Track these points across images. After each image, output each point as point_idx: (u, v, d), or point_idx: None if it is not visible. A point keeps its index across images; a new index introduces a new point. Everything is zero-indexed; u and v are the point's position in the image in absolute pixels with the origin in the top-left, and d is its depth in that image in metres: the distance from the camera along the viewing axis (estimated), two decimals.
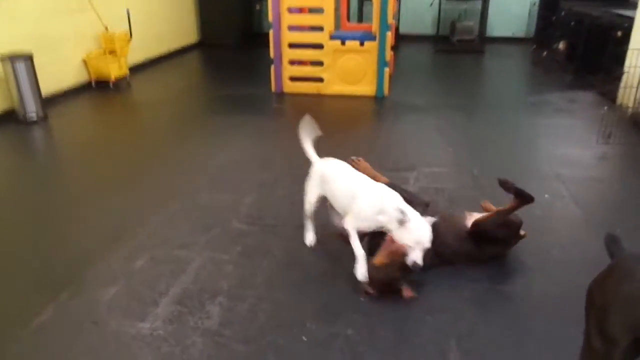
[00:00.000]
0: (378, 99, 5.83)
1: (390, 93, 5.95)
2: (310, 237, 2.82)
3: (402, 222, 2.20)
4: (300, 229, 2.97)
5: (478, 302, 2.38)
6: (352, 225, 2.39)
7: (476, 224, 2.57)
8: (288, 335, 2.15)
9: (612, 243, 1.57)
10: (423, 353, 2.07)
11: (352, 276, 2.42)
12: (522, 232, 2.64)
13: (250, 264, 2.66)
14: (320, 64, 5.91)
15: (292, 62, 6.02)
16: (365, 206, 2.35)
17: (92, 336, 2.18)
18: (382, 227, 2.32)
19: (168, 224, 3.12)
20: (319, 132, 2.85)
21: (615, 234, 1.59)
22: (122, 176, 3.90)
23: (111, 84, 6.42)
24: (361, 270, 2.33)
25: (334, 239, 2.75)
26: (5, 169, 4.16)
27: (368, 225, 2.38)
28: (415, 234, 2.20)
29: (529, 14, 9.15)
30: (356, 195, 2.41)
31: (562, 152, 4.23)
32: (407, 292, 2.34)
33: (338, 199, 2.57)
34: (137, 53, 7.21)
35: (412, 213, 2.24)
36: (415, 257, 2.20)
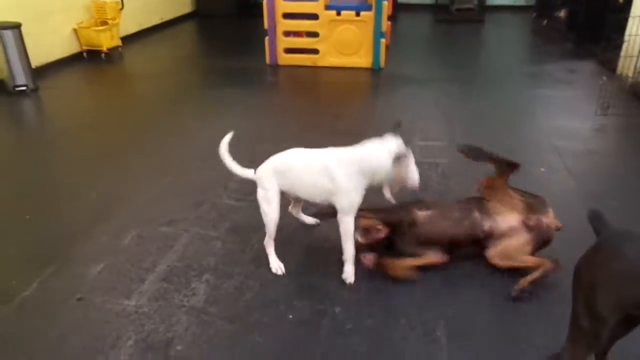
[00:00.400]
0: (374, 70, 5.72)
1: (387, 65, 5.82)
2: (277, 264, 2.42)
3: (398, 158, 2.16)
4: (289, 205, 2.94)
5: (468, 281, 2.35)
6: (349, 213, 2.24)
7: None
8: (274, 313, 2.13)
9: (596, 220, 1.52)
10: (411, 332, 2.05)
11: (342, 254, 2.40)
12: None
13: (239, 241, 2.63)
14: (315, 35, 5.78)
15: (287, 34, 5.88)
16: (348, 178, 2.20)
17: (76, 312, 2.16)
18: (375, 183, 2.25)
19: (157, 199, 3.08)
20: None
21: (598, 210, 1.54)
22: (112, 150, 3.84)
23: (103, 55, 6.29)
24: (349, 272, 2.31)
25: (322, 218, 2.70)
26: None
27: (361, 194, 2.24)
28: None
29: None
30: (331, 171, 2.22)
31: (560, 124, 4.16)
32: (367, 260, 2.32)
33: (305, 187, 2.35)
34: (130, 23, 7.05)
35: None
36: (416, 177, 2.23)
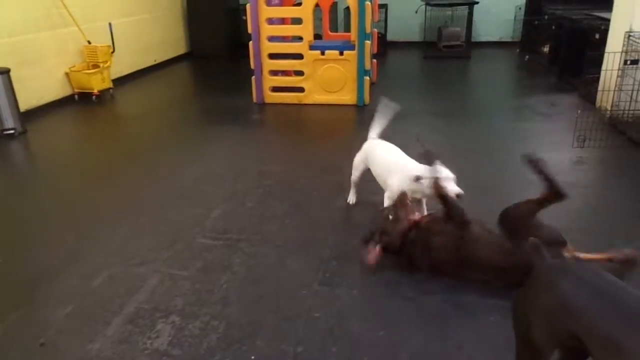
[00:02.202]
0: (359, 107, 5.81)
1: (372, 100, 5.91)
2: (352, 197, 3.42)
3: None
4: (267, 242, 2.96)
5: (435, 316, 2.33)
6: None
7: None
8: (236, 354, 2.10)
9: (534, 251, 1.53)
10: None
11: (308, 295, 2.40)
12: None
13: (209, 281, 2.62)
14: (300, 73, 5.90)
15: (274, 73, 6.00)
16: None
17: (37, 359, 2.14)
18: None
19: (132, 239, 3.09)
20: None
21: (537, 241, 1.55)
22: (94, 191, 3.87)
23: (94, 97, 6.42)
24: None
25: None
26: None
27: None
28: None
29: (515, 18, 9.12)
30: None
31: (541, 157, 4.18)
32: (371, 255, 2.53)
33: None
34: (123, 65, 7.22)
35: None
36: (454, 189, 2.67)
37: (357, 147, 4.81)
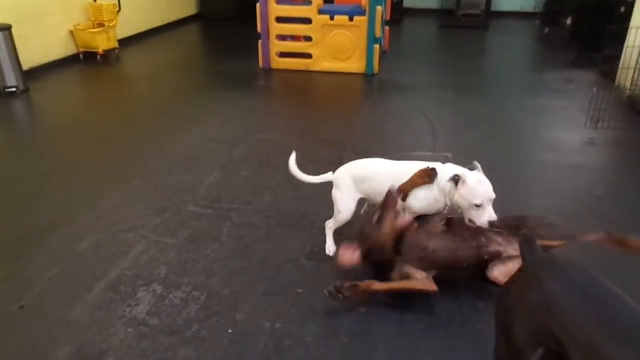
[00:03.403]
0: (367, 76, 5.64)
1: (381, 70, 5.75)
2: (332, 246, 2.52)
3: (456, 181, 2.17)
4: (257, 213, 2.89)
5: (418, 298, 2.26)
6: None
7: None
8: (215, 327, 2.06)
9: (525, 244, 1.43)
10: (350, 352, 1.97)
11: (293, 269, 2.35)
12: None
13: (195, 250, 2.57)
14: (309, 39, 5.72)
15: (282, 38, 5.84)
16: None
17: (15, 321, 2.12)
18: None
19: (124, 203, 3.05)
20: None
21: (530, 234, 1.45)
22: (92, 152, 3.83)
23: (99, 56, 6.33)
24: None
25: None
26: None
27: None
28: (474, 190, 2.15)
29: None
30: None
31: (548, 135, 4.04)
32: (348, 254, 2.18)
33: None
34: (130, 25, 7.09)
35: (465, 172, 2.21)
36: (486, 216, 2.13)
37: (361, 118, 4.71)
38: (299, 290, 2.26)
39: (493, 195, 2.16)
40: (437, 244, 2.19)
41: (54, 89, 5.47)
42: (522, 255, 1.43)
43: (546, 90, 5.21)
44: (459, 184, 2.18)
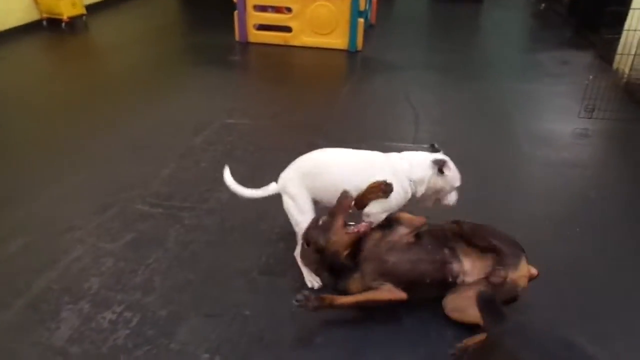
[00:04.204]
0: (350, 53, 5.27)
1: (365, 47, 5.37)
2: (311, 277, 2.12)
3: (441, 170, 2.06)
4: (212, 214, 2.59)
5: (392, 331, 1.99)
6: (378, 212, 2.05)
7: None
8: (144, 358, 1.78)
9: (488, 307, 1.14)
10: None
11: (243, 285, 2.07)
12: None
13: (135, 259, 2.27)
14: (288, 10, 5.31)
15: (261, 8, 5.41)
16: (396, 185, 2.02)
17: None
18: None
19: (65, 197, 2.73)
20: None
21: (491, 295, 1.16)
22: (44, 132, 3.52)
23: (63, 24, 5.88)
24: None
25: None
26: None
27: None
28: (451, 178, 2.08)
29: None
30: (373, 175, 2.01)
31: (538, 126, 3.74)
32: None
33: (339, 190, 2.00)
34: None
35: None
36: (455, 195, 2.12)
37: (340, 101, 4.35)
38: (247, 313, 1.98)
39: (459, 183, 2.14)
40: (398, 257, 1.94)
41: (14, 58, 5.06)
42: (486, 326, 1.14)
43: (540, 74, 4.87)
44: (445, 170, 2.07)
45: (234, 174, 2.64)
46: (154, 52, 5.41)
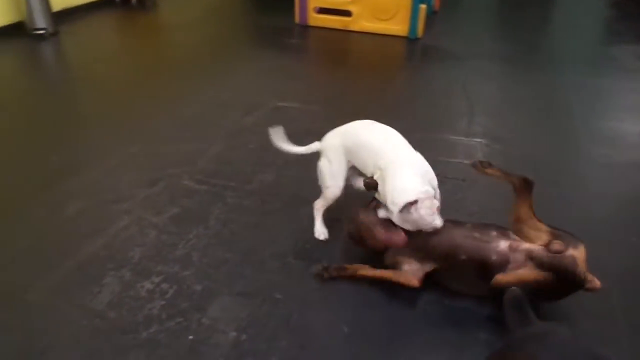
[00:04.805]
0: (410, 40, 5.14)
1: (426, 34, 5.23)
2: (322, 229, 2.29)
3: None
4: (254, 196, 2.62)
5: (419, 322, 1.95)
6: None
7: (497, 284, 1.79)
8: (175, 330, 1.84)
9: (514, 308, 1.09)
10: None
11: (278, 268, 2.09)
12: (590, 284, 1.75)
13: (177, 233, 2.34)
14: None
15: None
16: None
17: None
18: None
19: (118, 169, 2.85)
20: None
21: (520, 294, 1.10)
22: (105, 106, 3.69)
23: (134, 1, 6.09)
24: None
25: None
26: None
27: None
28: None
29: None
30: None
31: (604, 124, 3.51)
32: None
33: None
34: None
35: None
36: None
37: (394, 89, 4.27)
38: (278, 296, 2.00)
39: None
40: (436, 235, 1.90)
41: (84, 33, 5.31)
42: (510, 324, 1.09)
43: (612, 69, 4.57)
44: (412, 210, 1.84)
45: (279, 157, 2.67)
46: (215, 31, 5.51)
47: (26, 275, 2.07)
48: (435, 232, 1.88)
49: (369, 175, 2.04)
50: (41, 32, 4.95)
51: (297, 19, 5.50)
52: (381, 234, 1.94)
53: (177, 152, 3.03)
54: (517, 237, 1.86)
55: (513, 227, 1.91)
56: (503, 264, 1.79)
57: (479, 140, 3.20)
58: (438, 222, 1.86)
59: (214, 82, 4.08)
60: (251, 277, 2.10)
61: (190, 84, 4.06)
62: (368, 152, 2.04)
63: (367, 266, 2.02)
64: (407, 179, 1.87)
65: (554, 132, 3.39)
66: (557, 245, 1.73)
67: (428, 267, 1.91)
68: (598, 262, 1.93)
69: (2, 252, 2.19)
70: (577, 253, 1.74)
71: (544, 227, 1.85)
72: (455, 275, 1.91)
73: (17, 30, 4.95)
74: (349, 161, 2.13)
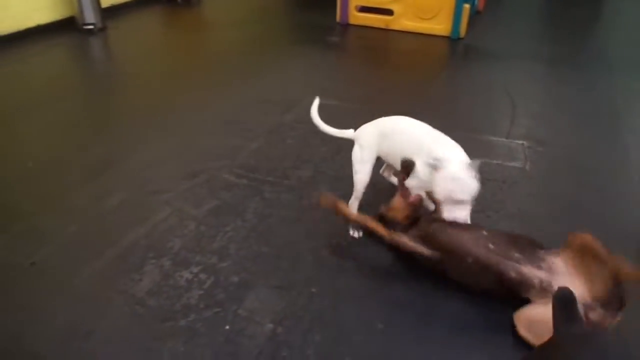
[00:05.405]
0: (452, 40, 5.07)
1: (469, 34, 5.15)
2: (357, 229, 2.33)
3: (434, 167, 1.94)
4: (292, 191, 2.65)
5: (450, 325, 1.93)
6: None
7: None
8: (212, 320, 1.87)
9: (564, 306, 1.06)
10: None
11: (313, 263, 2.10)
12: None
13: (215, 225, 2.39)
14: None
15: None
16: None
17: (23, 279, 2.07)
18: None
19: (159, 161, 2.93)
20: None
21: (570, 293, 1.08)
22: (150, 100, 3.79)
23: None
24: None
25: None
26: (46, 74, 4.16)
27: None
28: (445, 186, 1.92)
29: None
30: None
31: None
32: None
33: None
34: None
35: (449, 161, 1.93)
36: (453, 214, 1.93)
37: (434, 89, 4.21)
38: (313, 290, 2.01)
39: (463, 198, 1.94)
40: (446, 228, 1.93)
41: (131, 29, 5.46)
42: (556, 324, 1.06)
43: None
44: (437, 171, 1.96)
45: (317, 153, 2.69)
46: (258, 29, 5.58)
47: (72, 262, 2.15)
48: (449, 225, 1.92)
49: (397, 167, 2.18)
50: (90, 27, 5.12)
51: (338, 17, 5.50)
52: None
53: (218, 146, 3.08)
54: (546, 264, 1.75)
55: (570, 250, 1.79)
56: (523, 285, 1.74)
57: (520, 142, 3.13)
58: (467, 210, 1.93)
59: (256, 79, 4.13)
60: (287, 270, 2.12)
61: (233, 80, 4.13)
62: (408, 137, 2.15)
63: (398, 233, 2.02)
64: (452, 148, 2.02)
65: (600, 137, 3.28)
66: (594, 313, 1.57)
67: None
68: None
69: (50, 240, 2.28)
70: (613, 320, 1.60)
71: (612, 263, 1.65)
72: (462, 272, 1.89)
73: (69, 25, 5.14)
74: (379, 151, 2.26)
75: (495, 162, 2.91)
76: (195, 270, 2.12)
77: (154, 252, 2.21)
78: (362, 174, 2.28)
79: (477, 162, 1.95)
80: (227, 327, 1.85)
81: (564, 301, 1.07)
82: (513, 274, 1.76)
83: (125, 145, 3.09)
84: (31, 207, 2.52)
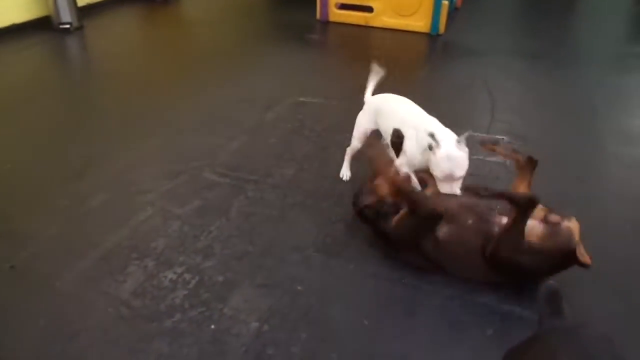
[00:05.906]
0: (431, 36, 5.11)
1: (448, 30, 5.19)
2: (346, 171, 2.70)
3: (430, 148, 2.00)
4: (275, 189, 2.65)
5: (437, 316, 1.96)
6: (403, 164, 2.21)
7: (493, 254, 1.88)
8: (197, 320, 1.87)
9: (547, 301, 1.08)
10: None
11: (299, 261, 2.11)
12: (582, 258, 1.81)
13: (199, 224, 2.38)
14: None
15: None
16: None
17: (2, 282, 2.04)
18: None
19: (141, 161, 2.90)
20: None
21: (556, 288, 1.10)
22: (128, 99, 3.75)
23: None
24: None
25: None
26: (23, 74, 4.08)
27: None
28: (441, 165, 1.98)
29: None
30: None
31: (629, 124, 3.46)
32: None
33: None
34: None
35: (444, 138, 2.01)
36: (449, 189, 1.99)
37: (414, 86, 4.25)
38: (299, 288, 2.02)
39: (457, 175, 2.00)
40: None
41: (109, 28, 5.39)
42: (541, 317, 1.09)
43: (637, 66, 4.48)
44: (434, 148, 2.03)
45: (299, 152, 2.69)
46: (237, 26, 5.55)
47: (54, 265, 2.13)
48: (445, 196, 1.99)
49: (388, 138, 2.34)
50: (67, 26, 5.04)
51: (318, 15, 5.50)
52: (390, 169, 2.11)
53: (199, 145, 3.07)
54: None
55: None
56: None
57: (501, 137, 3.18)
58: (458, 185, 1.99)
59: (236, 77, 4.11)
60: (272, 269, 2.12)
61: (212, 78, 4.10)
62: (392, 120, 2.35)
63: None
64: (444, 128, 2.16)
65: (578, 130, 3.35)
66: (553, 217, 1.84)
67: None
68: (620, 262, 1.91)
69: (31, 243, 2.25)
70: (572, 225, 1.83)
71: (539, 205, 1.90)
72: (459, 237, 1.94)
73: (44, 24, 5.04)
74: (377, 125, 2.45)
75: (476, 157, 2.94)
76: (179, 270, 2.11)
77: (137, 253, 2.19)
78: (354, 139, 2.57)
79: (465, 135, 2.01)
80: (213, 326, 1.85)
81: (549, 295, 1.10)
82: (496, 229, 1.89)
83: (105, 145, 3.06)
84: (10, 210, 2.48)
